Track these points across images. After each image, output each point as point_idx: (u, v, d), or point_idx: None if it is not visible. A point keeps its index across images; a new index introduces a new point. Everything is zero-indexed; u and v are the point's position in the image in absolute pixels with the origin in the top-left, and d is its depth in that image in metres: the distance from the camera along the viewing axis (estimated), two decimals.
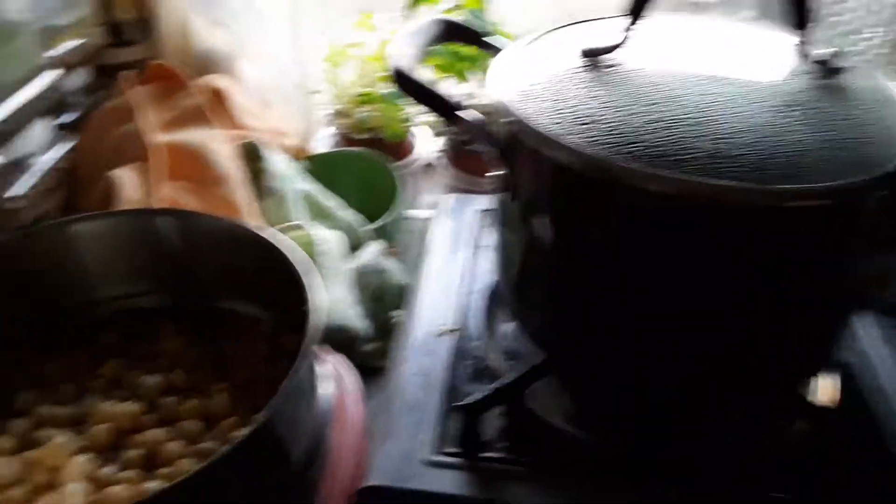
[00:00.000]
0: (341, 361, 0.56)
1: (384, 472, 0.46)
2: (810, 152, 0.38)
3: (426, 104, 0.47)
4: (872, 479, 0.45)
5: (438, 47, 0.84)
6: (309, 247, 0.64)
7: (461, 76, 0.87)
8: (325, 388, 0.49)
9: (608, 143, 0.39)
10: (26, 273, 0.50)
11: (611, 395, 0.51)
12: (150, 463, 0.43)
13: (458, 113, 0.46)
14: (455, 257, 0.66)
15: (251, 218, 0.66)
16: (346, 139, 0.90)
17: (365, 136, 0.89)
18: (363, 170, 0.84)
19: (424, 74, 0.46)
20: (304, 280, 0.46)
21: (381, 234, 0.77)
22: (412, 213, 0.88)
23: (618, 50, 0.46)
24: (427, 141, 0.93)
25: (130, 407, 0.44)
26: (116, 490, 0.39)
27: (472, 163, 0.87)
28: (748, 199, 0.37)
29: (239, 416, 0.45)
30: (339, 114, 0.93)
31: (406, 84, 0.46)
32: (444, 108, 0.46)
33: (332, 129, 0.92)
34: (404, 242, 0.85)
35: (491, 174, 0.49)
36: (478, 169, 0.87)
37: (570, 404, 0.51)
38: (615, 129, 0.39)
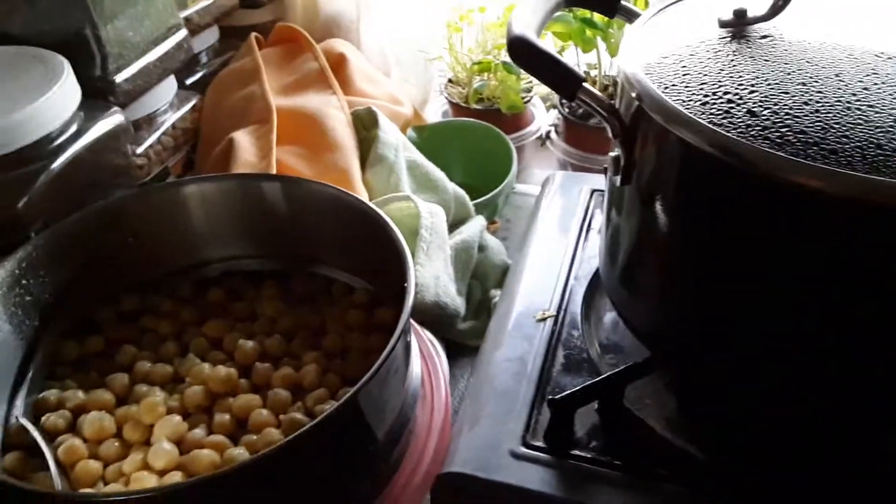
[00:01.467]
0: (434, 340, 0.55)
1: (467, 459, 0.45)
2: None
3: (546, 77, 0.43)
4: None
5: (564, 12, 0.81)
6: (414, 219, 0.63)
7: (587, 45, 0.82)
8: (416, 367, 0.48)
9: (748, 125, 0.34)
10: (140, 230, 0.52)
11: (722, 406, 0.47)
12: (240, 427, 0.44)
13: (584, 86, 0.42)
14: (562, 238, 0.63)
15: (360, 187, 0.65)
16: (460, 109, 0.88)
17: (480, 106, 0.86)
18: (476, 141, 0.82)
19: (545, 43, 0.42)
20: (406, 255, 0.45)
21: (489, 207, 0.75)
22: (522, 188, 0.86)
23: (769, 19, 0.40)
24: (542, 114, 0.90)
25: (225, 371, 0.45)
26: (203, 454, 0.40)
27: (587, 138, 0.83)
28: None
29: (326, 388, 0.45)
30: (456, 82, 0.90)
31: (526, 53, 0.42)
32: (568, 81, 0.41)
33: (448, 99, 0.90)
34: (512, 218, 0.82)
35: (610, 153, 0.45)
36: (593, 145, 0.82)
37: (673, 410, 0.47)
38: (759, 109, 0.35)
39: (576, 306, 0.56)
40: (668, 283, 0.44)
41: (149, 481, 0.39)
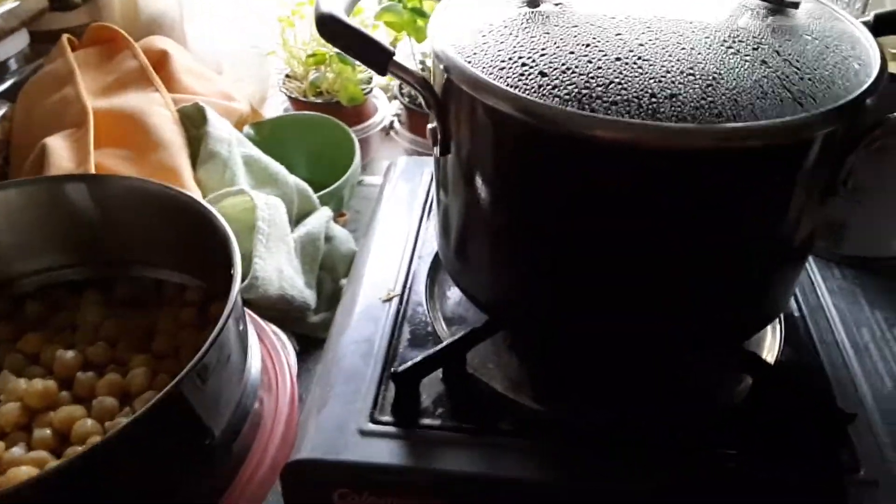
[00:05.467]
0: (279, 332, 0.54)
1: (315, 444, 0.44)
2: (751, 91, 0.36)
3: (358, 53, 0.43)
4: (817, 431, 0.44)
5: (394, 2, 0.82)
6: (250, 212, 0.61)
7: (420, 35, 0.83)
8: (255, 359, 0.47)
9: (540, 85, 0.36)
10: None
11: (552, 358, 0.49)
12: (63, 442, 0.41)
13: (394, 59, 0.42)
14: (405, 220, 0.63)
15: (191, 185, 0.63)
16: (300, 104, 0.87)
17: (319, 100, 0.86)
18: (316, 134, 0.81)
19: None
20: (231, 240, 0.44)
21: (334, 199, 0.75)
22: (370, 179, 0.86)
23: None
24: (385, 105, 0.90)
25: (42, 384, 0.42)
26: (20, 472, 0.37)
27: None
28: (683, 139, 0.34)
29: (156, 390, 0.43)
30: (294, 76, 0.89)
31: (335, 29, 0.42)
32: (378, 56, 0.42)
33: (287, 95, 0.88)
34: (361, 209, 0.82)
35: (428, 125, 0.46)
36: None
37: (513, 370, 0.49)
38: (548, 70, 0.37)
39: (420, 284, 0.57)
40: (494, 245, 0.46)
41: None
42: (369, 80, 0.89)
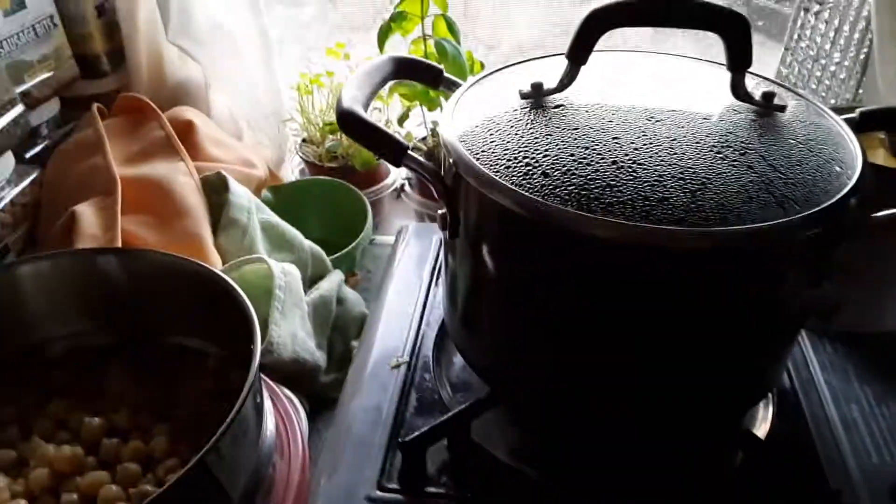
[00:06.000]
0: (292, 396, 0.57)
1: None
2: (737, 195, 0.39)
3: (375, 146, 0.47)
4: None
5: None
6: (268, 280, 0.64)
7: (432, 105, 0.87)
8: (270, 425, 0.50)
9: (543, 185, 0.39)
10: None
11: (551, 430, 0.52)
12: None
13: (408, 153, 0.46)
14: (414, 286, 0.66)
15: (212, 251, 0.66)
16: (315, 167, 0.91)
17: (334, 164, 0.90)
18: (331, 197, 0.85)
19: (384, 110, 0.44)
20: (252, 318, 0.47)
21: (347, 260, 0.78)
22: (381, 238, 0.89)
23: (561, 91, 0.46)
24: (395, 169, 0.94)
25: (70, 450, 0.45)
26: None
27: None
28: (672, 241, 0.37)
29: (178, 457, 0.45)
30: (310, 141, 0.93)
31: (353, 125, 0.46)
32: (393, 149, 0.46)
33: (302, 158, 0.93)
34: (372, 269, 0.85)
35: (438, 210, 0.49)
36: None
37: (514, 439, 0.52)
38: (551, 171, 0.40)
39: (428, 350, 0.59)
40: (496, 322, 0.48)
41: None
42: None
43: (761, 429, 0.52)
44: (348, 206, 0.83)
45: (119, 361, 0.53)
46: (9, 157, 0.69)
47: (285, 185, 0.85)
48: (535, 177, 0.40)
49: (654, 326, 0.41)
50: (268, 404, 0.51)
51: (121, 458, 0.45)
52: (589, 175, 0.39)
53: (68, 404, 0.49)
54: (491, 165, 0.42)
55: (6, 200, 0.68)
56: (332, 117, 0.91)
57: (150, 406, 0.50)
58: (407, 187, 0.92)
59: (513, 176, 0.41)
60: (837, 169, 0.42)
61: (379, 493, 0.47)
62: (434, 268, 0.69)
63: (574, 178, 0.39)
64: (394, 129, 0.89)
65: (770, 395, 0.54)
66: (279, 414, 0.53)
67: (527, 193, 0.39)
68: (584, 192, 0.39)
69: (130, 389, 0.50)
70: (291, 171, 0.95)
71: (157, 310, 0.53)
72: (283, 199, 0.83)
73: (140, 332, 0.54)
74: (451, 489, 0.48)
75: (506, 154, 0.42)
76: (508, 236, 0.43)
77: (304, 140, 0.94)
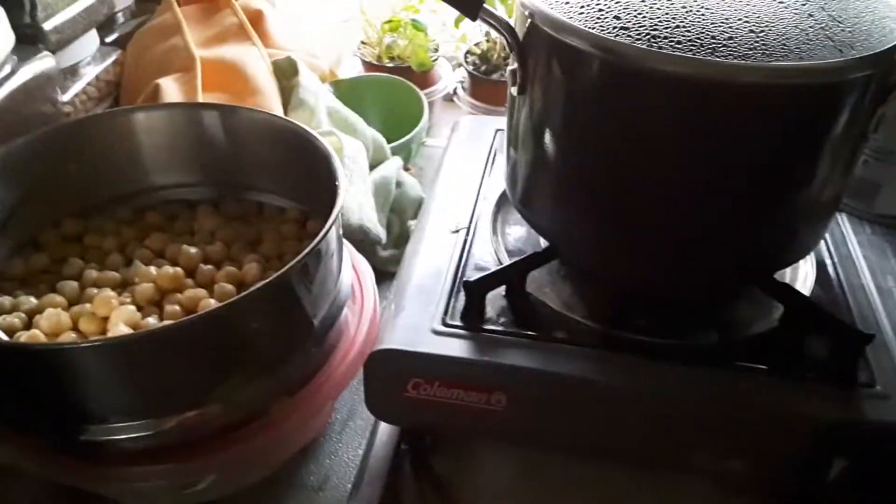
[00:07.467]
0: (362, 259, 0.61)
1: (395, 338, 0.51)
2: (798, 38, 0.41)
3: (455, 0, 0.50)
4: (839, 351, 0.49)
5: None
6: (338, 152, 0.68)
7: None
8: (347, 268, 0.54)
9: (614, 27, 0.42)
10: (84, 156, 0.55)
11: (602, 286, 0.55)
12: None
13: (485, 6, 0.49)
14: (471, 167, 0.70)
15: None
16: (373, 67, 0.94)
17: (392, 64, 0.93)
18: (388, 95, 0.88)
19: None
20: (335, 162, 0.51)
21: (404, 151, 0.82)
22: (432, 141, 0.93)
23: None
24: (448, 73, 0.97)
25: (172, 269, 0.50)
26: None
27: (492, 92, 0.91)
28: (736, 74, 0.40)
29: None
30: (369, 43, 0.97)
31: None
32: (471, 2, 0.48)
33: (361, 59, 0.96)
34: (424, 167, 0.89)
35: (508, 67, 0.52)
36: (496, 98, 0.91)
37: (567, 295, 0.56)
38: (622, 14, 0.43)
39: (485, 221, 0.63)
40: (560, 175, 0.52)
41: None
42: (436, 49, 0.96)
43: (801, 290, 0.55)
44: (405, 103, 0.87)
45: (207, 207, 0.57)
46: (94, 34, 0.73)
47: (345, 80, 0.89)
48: (607, 20, 0.43)
49: (710, 165, 0.44)
50: (346, 253, 0.55)
51: (216, 281, 0.50)
52: (659, 17, 0.42)
53: (166, 237, 0.54)
54: (564, 13, 0.45)
55: (92, 75, 0.72)
56: (392, 16, 0.94)
57: (238, 243, 0.54)
58: (459, 90, 0.95)
59: (585, 20, 0.44)
60: (892, 25, 0.44)
61: (443, 328, 0.52)
62: (489, 152, 0.72)
63: (644, 20, 0.42)
64: (450, 33, 0.92)
65: (810, 266, 0.57)
66: (354, 270, 0.58)
67: (599, 33, 0.42)
68: (654, 32, 0.42)
69: (221, 228, 0.55)
70: (350, 72, 0.99)
71: (245, 166, 0.57)
72: (343, 94, 0.87)
73: (227, 187, 0.58)
74: (509, 328, 0.52)
75: (578, 2, 0.45)
76: (579, 80, 0.46)
77: (362, 42, 0.97)
